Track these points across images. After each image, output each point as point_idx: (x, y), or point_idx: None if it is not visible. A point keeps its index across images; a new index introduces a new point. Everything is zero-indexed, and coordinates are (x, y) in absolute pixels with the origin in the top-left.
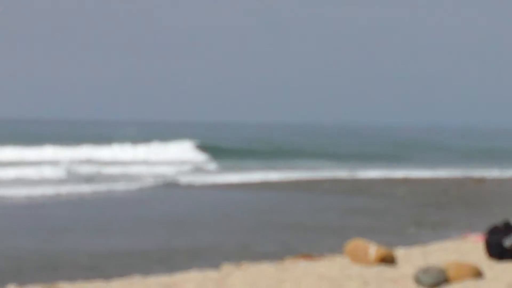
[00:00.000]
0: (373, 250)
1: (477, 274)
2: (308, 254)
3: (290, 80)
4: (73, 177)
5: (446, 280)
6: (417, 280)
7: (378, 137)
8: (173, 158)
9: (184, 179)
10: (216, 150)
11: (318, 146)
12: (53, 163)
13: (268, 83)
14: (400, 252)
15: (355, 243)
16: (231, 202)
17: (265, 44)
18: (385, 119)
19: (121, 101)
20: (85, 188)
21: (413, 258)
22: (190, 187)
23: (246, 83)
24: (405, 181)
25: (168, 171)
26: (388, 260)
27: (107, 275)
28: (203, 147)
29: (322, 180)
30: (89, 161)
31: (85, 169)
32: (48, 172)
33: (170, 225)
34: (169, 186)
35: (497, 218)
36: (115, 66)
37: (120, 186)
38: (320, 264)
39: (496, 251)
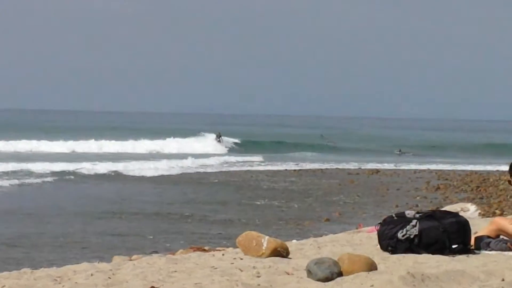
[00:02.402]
0: (266, 242)
1: (371, 266)
2: (200, 246)
3: None
4: None
5: (339, 272)
6: (310, 272)
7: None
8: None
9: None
10: None
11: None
12: None
13: None
14: (293, 244)
15: (247, 235)
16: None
17: None
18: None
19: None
20: None
21: (306, 250)
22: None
23: None
24: (299, 173)
25: None
26: (280, 252)
27: None
28: None
29: (212, 173)
30: None
31: None
32: None
33: (60, 217)
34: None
35: (390, 209)
36: None
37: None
38: (212, 256)
39: (390, 242)
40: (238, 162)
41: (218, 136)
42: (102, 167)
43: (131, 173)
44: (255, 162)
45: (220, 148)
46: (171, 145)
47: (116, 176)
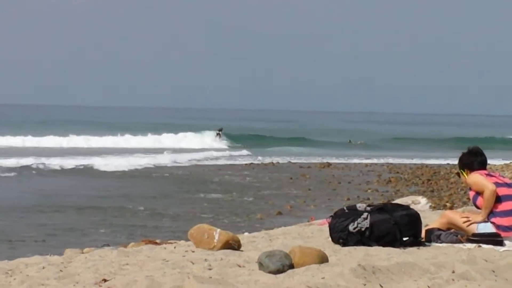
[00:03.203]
0: (217, 234)
1: (322, 258)
2: (152, 239)
3: None
4: None
5: (290, 264)
6: (261, 264)
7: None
8: None
9: None
10: None
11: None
12: None
13: None
14: (245, 237)
15: (199, 228)
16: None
17: None
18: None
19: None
20: None
21: (257, 243)
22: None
23: None
24: (251, 167)
25: None
26: (232, 244)
27: None
28: None
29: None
30: None
31: None
32: None
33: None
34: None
35: (342, 202)
36: None
37: None
38: (163, 249)
39: (341, 235)
40: (206, 157)
41: (219, 131)
42: (70, 162)
43: (102, 168)
44: (237, 157)
45: (218, 144)
46: (165, 141)
47: (81, 171)
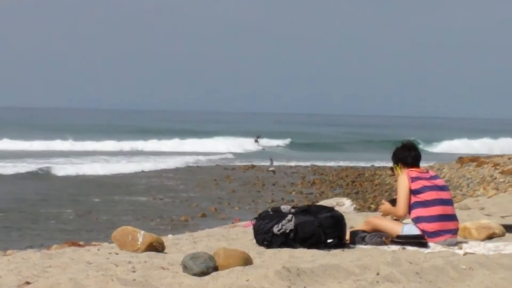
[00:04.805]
0: (141, 236)
1: (246, 260)
2: (75, 241)
3: None
4: None
5: (214, 266)
6: (185, 267)
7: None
8: None
9: None
10: None
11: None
12: None
13: None
14: (169, 239)
15: (123, 230)
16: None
17: None
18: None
19: None
20: None
21: (182, 245)
22: None
23: None
24: (176, 169)
25: None
26: (156, 246)
27: None
28: None
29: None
30: None
31: None
32: None
33: None
34: None
35: (266, 204)
36: None
37: None
38: (87, 251)
39: (265, 237)
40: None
41: (257, 138)
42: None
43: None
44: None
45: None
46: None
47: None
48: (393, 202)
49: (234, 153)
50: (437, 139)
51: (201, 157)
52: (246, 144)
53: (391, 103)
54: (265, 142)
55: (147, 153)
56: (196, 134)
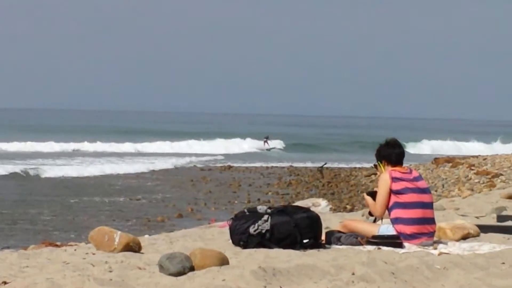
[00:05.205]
0: (118, 237)
1: (222, 260)
2: (52, 241)
3: None
4: None
5: (191, 266)
6: (161, 267)
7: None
8: None
9: None
10: None
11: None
12: None
13: None
14: (145, 239)
15: (99, 230)
16: None
17: None
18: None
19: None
20: None
21: (158, 245)
22: None
23: None
24: (152, 171)
25: None
26: (133, 247)
27: None
28: None
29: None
30: None
31: None
32: None
33: None
34: None
35: (242, 205)
36: None
37: None
38: (64, 251)
39: (242, 237)
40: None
41: (266, 138)
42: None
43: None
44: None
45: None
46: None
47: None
48: (372, 194)
49: (224, 155)
50: (416, 139)
51: (193, 158)
52: (232, 146)
53: (372, 105)
54: (250, 143)
55: (135, 154)
56: (185, 136)
